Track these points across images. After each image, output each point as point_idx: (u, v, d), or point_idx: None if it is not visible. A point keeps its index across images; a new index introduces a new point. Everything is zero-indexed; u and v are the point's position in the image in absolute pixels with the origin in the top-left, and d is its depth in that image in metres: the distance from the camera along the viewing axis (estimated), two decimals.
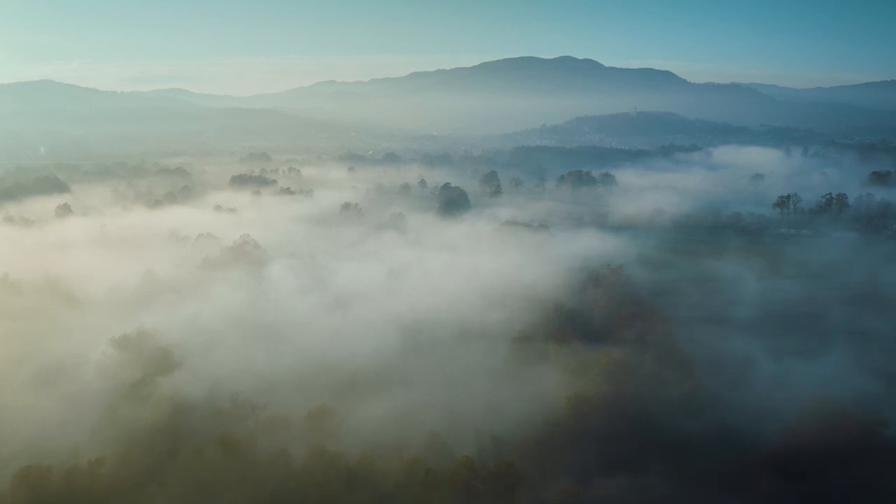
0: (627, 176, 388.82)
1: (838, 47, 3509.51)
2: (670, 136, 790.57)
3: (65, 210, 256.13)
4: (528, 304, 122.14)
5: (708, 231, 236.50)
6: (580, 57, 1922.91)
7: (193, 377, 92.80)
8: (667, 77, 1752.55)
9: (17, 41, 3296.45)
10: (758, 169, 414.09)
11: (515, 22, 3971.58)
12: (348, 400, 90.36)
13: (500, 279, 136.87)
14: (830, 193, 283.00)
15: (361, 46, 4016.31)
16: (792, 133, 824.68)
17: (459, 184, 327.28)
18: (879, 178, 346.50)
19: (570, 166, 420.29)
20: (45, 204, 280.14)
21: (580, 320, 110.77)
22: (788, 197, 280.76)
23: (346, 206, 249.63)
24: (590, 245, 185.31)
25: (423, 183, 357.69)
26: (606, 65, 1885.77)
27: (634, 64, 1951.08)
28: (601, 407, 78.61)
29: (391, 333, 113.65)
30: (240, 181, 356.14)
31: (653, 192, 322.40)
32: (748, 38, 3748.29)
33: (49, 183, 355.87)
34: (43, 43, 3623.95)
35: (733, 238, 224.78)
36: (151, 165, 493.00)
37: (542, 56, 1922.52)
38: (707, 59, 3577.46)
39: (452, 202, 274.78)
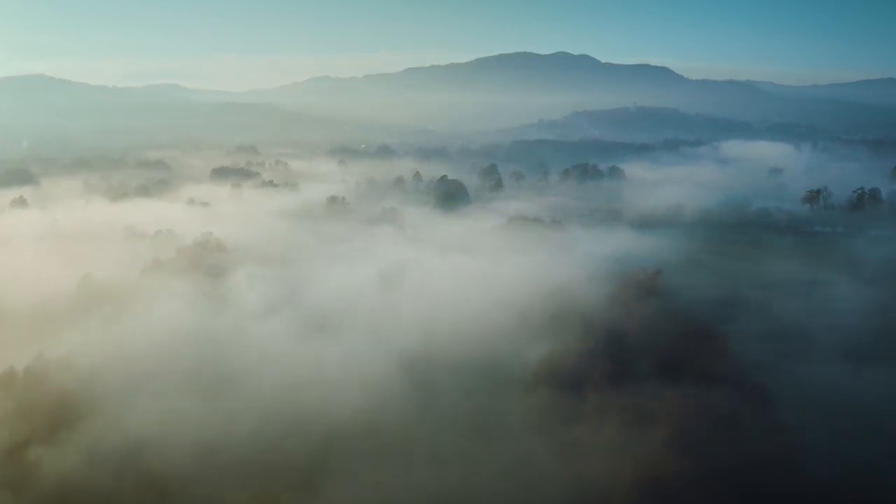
0: (635, 169, 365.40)
1: (834, 45, 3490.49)
2: (671, 130, 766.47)
3: (19, 203, 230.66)
4: (555, 321, 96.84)
5: (736, 228, 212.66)
6: (576, 53, 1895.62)
7: (100, 436, 66.68)
8: (664, 73, 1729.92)
9: (15, 38, 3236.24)
10: (769, 163, 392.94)
11: (511, 18, 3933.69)
12: (316, 477, 64.27)
13: (516, 287, 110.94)
14: (862, 188, 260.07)
15: (356, 44, 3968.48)
16: (794, 129, 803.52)
17: (457, 178, 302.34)
18: None
19: (572, 160, 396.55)
20: (4, 197, 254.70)
21: (624, 345, 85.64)
22: (818, 192, 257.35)
23: (333, 199, 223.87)
24: (610, 244, 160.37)
25: (417, 176, 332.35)
26: (602, 61, 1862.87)
27: (630, 60, 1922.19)
28: (684, 493, 53.57)
29: (383, 369, 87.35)
30: (220, 174, 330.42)
31: (665, 187, 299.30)
32: (744, 36, 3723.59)
33: (17, 175, 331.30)
34: (40, 40, 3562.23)
35: (767, 236, 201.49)
36: (132, 158, 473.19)
37: (537, 52, 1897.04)
38: (703, 56, 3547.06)
39: (450, 196, 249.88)
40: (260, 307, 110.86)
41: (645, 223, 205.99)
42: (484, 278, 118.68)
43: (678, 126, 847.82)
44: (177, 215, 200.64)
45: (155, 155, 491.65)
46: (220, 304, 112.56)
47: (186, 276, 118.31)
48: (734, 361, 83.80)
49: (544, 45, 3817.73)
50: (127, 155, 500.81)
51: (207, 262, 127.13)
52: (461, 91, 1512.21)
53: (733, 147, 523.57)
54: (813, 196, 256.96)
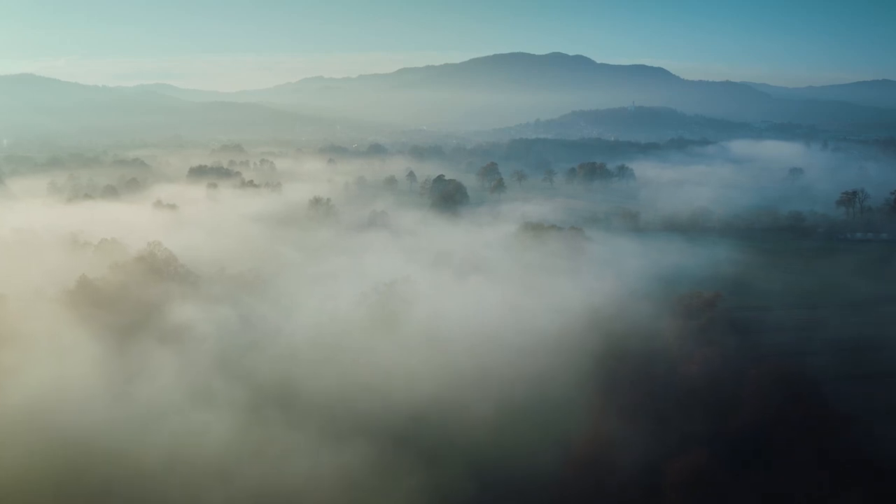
0: (645, 169, 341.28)
1: (829, 47, 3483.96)
2: (671, 130, 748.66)
3: None
4: (609, 376, 70.59)
5: (773, 235, 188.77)
6: (571, 53, 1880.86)
7: None
8: (660, 73, 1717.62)
9: (9, 38, 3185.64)
10: (785, 163, 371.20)
11: (506, 19, 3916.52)
12: None
13: (551, 323, 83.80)
14: None
15: (350, 44, 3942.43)
16: (795, 129, 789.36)
17: (454, 177, 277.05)
18: None
19: (574, 159, 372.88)
20: None
21: (710, 418, 59.81)
22: (854, 194, 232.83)
23: (316, 201, 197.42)
24: (645, 255, 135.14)
25: (411, 175, 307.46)
26: (598, 61, 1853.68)
27: (625, 61, 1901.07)
28: None
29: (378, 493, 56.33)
30: (198, 173, 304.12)
31: (683, 188, 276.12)
32: (738, 37, 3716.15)
33: None
34: (36, 40, 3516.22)
35: (810, 244, 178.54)
36: (111, 157, 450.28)
37: (532, 52, 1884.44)
38: (697, 57, 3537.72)
39: (449, 197, 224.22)
40: (194, 374, 76.42)
41: (673, 229, 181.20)
42: (508, 310, 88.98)
43: (678, 125, 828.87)
44: (136, 219, 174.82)
45: (135, 154, 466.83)
46: (137, 364, 78.24)
47: (109, 308, 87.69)
48: (860, 431, 59.03)
49: (539, 46, 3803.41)
50: (105, 154, 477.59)
51: (142, 286, 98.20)
52: (456, 91, 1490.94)
53: (742, 146, 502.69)
54: (848, 198, 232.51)
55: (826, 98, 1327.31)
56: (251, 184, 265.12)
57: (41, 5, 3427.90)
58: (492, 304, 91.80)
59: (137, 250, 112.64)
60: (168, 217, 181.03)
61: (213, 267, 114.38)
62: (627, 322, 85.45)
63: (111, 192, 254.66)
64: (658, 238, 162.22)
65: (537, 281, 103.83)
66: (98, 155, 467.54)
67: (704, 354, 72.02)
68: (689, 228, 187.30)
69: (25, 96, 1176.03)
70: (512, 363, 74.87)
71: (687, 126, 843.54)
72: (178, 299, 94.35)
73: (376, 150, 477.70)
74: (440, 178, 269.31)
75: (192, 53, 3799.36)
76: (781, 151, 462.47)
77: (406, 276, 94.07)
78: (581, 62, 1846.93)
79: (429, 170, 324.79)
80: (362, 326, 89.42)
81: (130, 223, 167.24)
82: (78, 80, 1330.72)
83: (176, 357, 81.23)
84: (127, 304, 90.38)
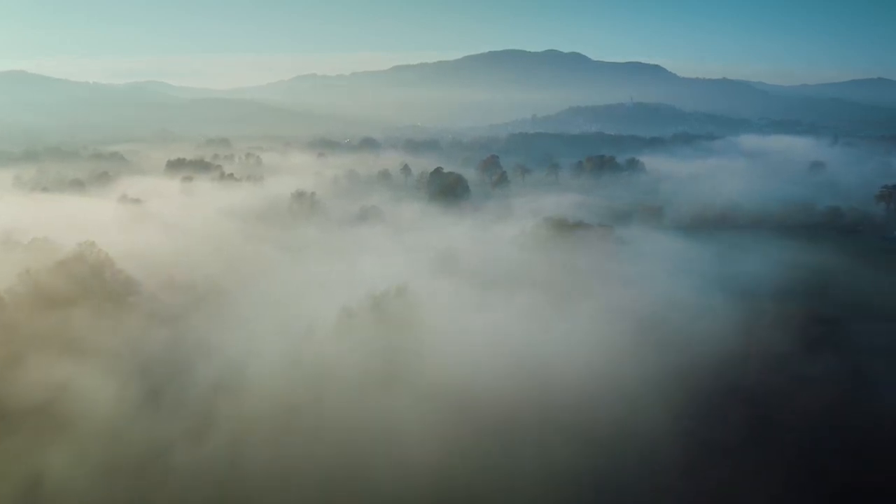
0: (655, 163, 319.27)
1: (824, 45, 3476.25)
2: (671, 126, 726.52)
3: None
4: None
5: (818, 233, 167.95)
6: (566, 51, 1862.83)
7: None
8: (657, 70, 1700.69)
9: (8, 37, 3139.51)
10: (801, 157, 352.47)
11: (500, 17, 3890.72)
12: None
13: (636, 357, 59.41)
14: None
15: (345, 43, 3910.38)
16: (795, 126, 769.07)
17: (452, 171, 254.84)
18: None
19: (576, 154, 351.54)
20: None
21: None
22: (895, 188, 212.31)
23: (300, 195, 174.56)
24: (698, 257, 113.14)
25: (406, 169, 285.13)
26: (594, 59, 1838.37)
27: (621, 59, 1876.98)
28: None
29: None
30: (176, 167, 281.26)
31: (698, 182, 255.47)
32: (734, 35, 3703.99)
33: None
34: (34, 39, 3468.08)
35: (865, 244, 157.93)
36: (89, 151, 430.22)
37: (527, 49, 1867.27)
38: (692, 55, 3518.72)
39: (449, 191, 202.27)
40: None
41: (705, 226, 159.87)
42: (570, 340, 61.51)
43: (678, 122, 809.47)
44: (92, 215, 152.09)
45: (115, 148, 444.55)
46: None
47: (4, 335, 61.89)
48: None
49: (534, 43, 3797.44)
50: (85, 148, 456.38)
51: (51, 304, 73.03)
52: (450, 88, 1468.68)
53: (751, 141, 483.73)
54: (889, 193, 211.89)
55: (822, 96, 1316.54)
56: (231, 177, 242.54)
57: (40, 4, 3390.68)
58: (540, 328, 64.82)
59: (65, 253, 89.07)
60: (129, 213, 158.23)
61: (163, 272, 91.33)
62: (732, 356, 61.34)
63: (77, 185, 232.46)
64: (696, 237, 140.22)
65: (591, 294, 79.65)
66: (77, 149, 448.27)
67: (845, 397, 50.06)
68: (721, 225, 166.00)
69: (14, 93, 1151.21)
70: (604, 447, 46.04)
71: (687, 122, 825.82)
72: (92, 327, 68.66)
73: (369, 144, 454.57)
74: (438, 171, 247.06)
75: (192, 53, 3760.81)
76: (792, 146, 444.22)
77: (407, 288, 68.71)
78: (577, 59, 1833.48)
79: (424, 164, 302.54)
80: (354, 375, 60.69)
81: (84, 219, 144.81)
82: (70, 78, 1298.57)
83: (41, 455, 50.44)
84: (21, 334, 65.43)
